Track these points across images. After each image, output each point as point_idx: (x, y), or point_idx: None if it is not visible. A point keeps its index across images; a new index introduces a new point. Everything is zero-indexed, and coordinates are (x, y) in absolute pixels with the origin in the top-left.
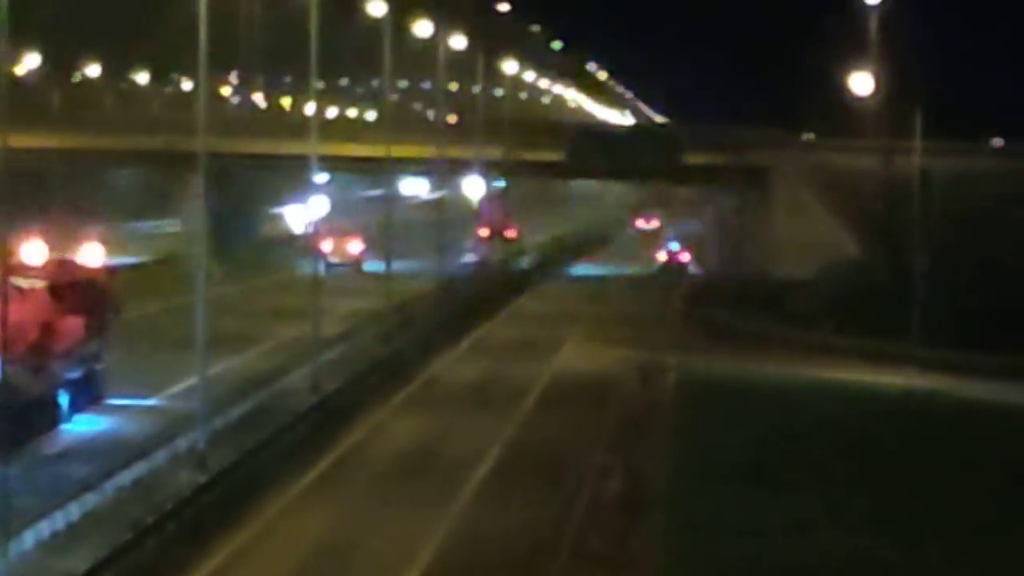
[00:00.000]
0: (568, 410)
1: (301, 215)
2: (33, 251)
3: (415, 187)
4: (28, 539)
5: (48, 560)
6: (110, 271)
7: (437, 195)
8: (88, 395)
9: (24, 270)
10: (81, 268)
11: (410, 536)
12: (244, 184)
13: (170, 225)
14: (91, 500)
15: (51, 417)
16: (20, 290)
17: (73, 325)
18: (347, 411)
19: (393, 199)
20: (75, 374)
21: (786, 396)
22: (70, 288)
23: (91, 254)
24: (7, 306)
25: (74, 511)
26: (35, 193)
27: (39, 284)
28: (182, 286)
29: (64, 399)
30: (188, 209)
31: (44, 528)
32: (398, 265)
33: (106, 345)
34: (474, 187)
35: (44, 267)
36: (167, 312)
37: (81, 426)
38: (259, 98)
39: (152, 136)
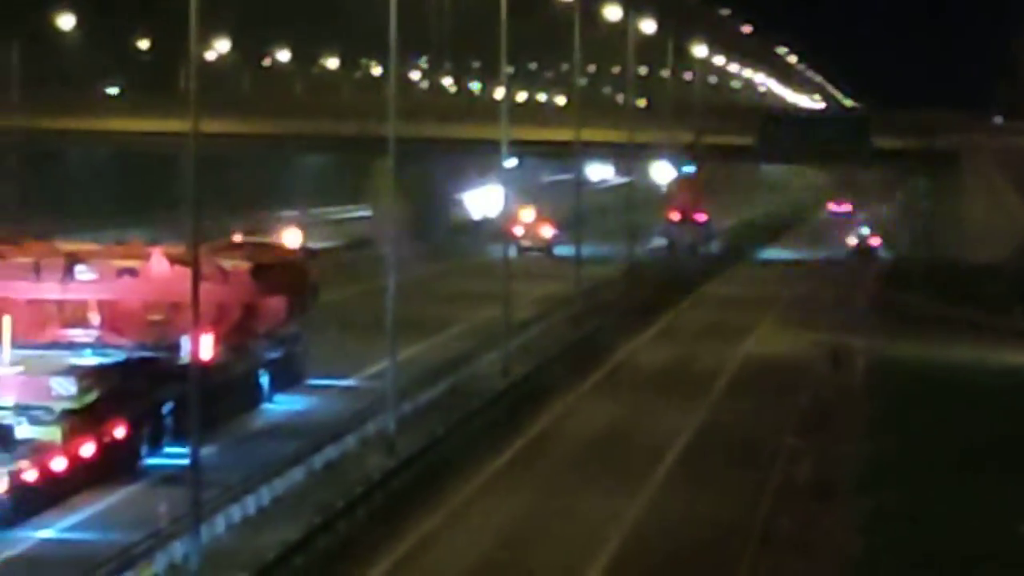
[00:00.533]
0: (758, 395)
1: (484, 200)
2: (235, 234)
3: (601, 172)
4: (234, 514)
5: (240, 541)
6: (311, 254)
7: (623, 180)
8: (288, 375)
9: (227, 251)
10: (283, 250)
11: (599, 522)
12: (434, 169)
13: (360, 210)
14: (282, 485)
15: (253, 397)
16: (224, 271)
17: (275, 306)
18: (537, 395)
19: (581, 184)
20: (275, 354)
21: (977, 382)
22: (272, 270)
23: (290, 238)
24: (213, 287)
25: (265, 495)
26: (228, 178)
27: (242, 265)
28: (373, 271)
29: (265, 379)
30: (378, 194)
31: (241, 509)
32: (588, 249)
33: (305, 327)
34: (662, 172)
35: (247, 249)
36: (359, 296)
37: (281, 406)
38: (448, 83)
39: (342, 121)
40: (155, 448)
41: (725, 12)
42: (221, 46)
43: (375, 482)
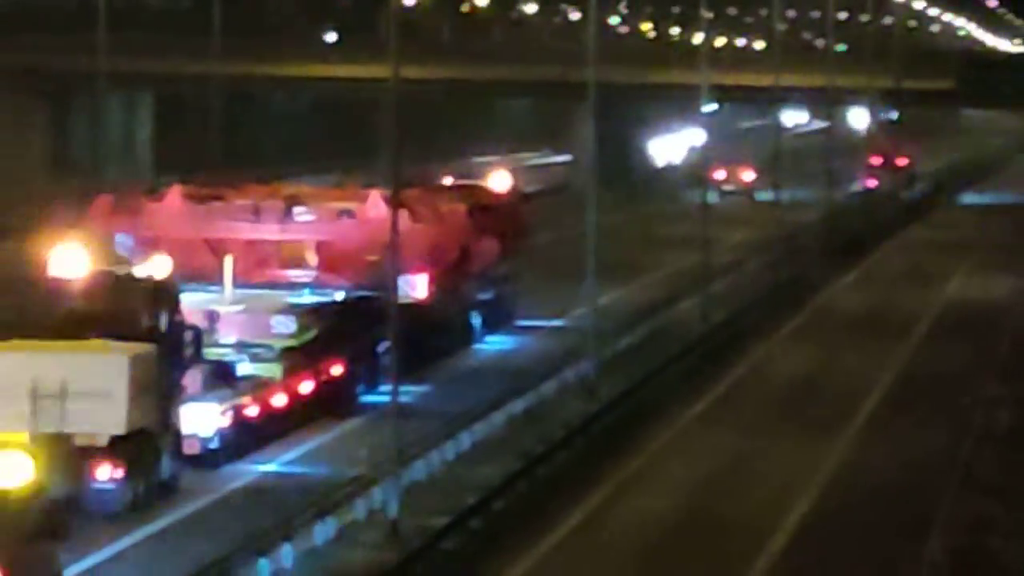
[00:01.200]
0: (959, 340)
1: (670, 147)
2: (446, 177)
3: (796, 118)
4: (447, 451)
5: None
6: (523, 197)
7: (819, 126)
8: (498, 316)
9: (442, 193)
10: (497, 193)
11: (799, 467)
12: (632, 114)
13: (558, 156)
14: (483, 428)
15: (465, 336)
16: (440, 212)
17: (488, 248)
18: (736, 340)
19: (778, 129)
20: (487, 295)
21: None
22: (487, 212)
23: (500, 181)
24: (429, 228)
25: (465, 440)
26: (429, 124)
27: (459, 207)
28: (572, 216)
29: (477, 319)
30: (576, 140)
31: (455, 445)
32: (787, 194)
33: (515, 268)
34: (859, 118)
35: (463, 191)
36: (559, 241)
37: (492, 346)
38: (647, 28)
39: (541, 67)
40: (371, 386)
41: None
42: None
43: (576, 427)
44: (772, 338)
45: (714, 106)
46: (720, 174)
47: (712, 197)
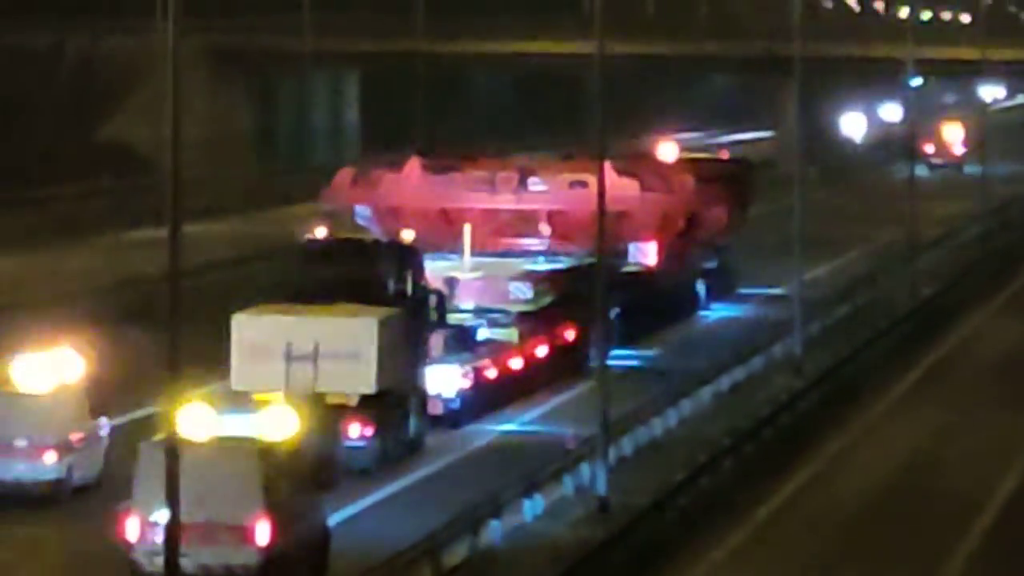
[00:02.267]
0: None
1: (859, 123)
2: (666, 149)
3: (993, 93)
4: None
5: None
6: (749, 168)
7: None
8: (722, 284)
9: (671, 164)
10: (726, 162)
11: (1009, 437)
12: (838, 89)
13: (764, 132)
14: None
15: (691, 304)
16: (669, 181)
17: (716, 217)
18: (944, 316)
19: (983, 104)
20: (711, 264)
21: None
22: (714, 182)
23: (725, 152)
24: (658, 197)
25: (672, 417)
26: (632, 99)
27: (687, 176)
28: (779, 190)
29: (702, 287)
30: (782, 115)
31: (679, 409)
32: (996, 168)
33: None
34: None
35: (691, 161)
36: (768, 216)
37: (717, 313)
38: (852, 2)
39: (745, 41)
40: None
41: None
42: None
43: (783, 403)
44: (980, 313)
45: (919, 80)
46: (929, 147)
47: (921, 170)
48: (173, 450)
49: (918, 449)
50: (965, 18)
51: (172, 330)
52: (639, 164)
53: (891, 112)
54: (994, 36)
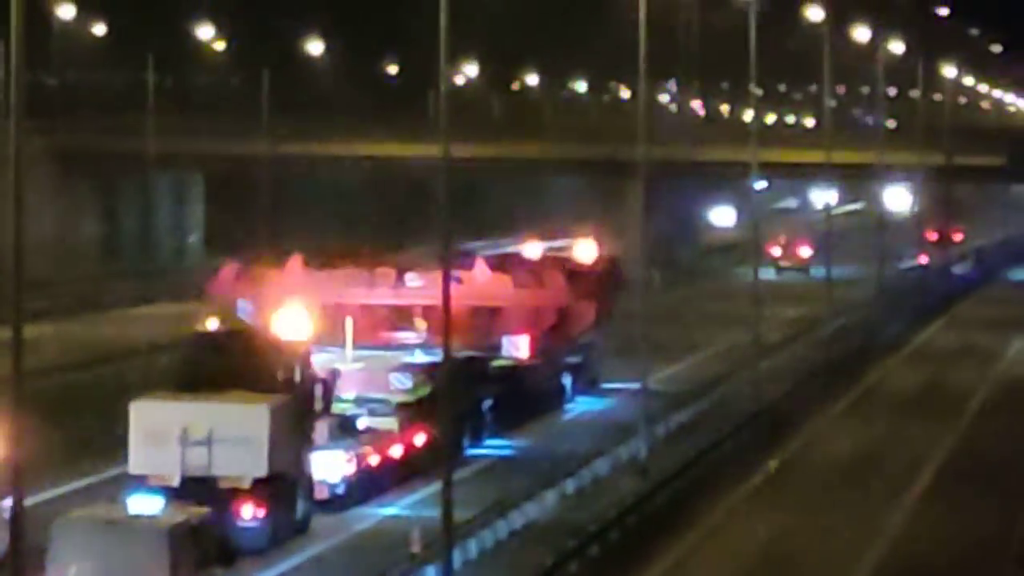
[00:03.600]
0: (1008, 417)
1: (724, 222)
2: (534, 248)
3: (825, 198)
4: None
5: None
6: (615, 265)
7: (856, 206)
8: (586, 378)
9: (538, 262)
10: (594, 260)
11: (855, 543)
12: (684, 191)
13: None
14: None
15: (559, 397)
16: (541, 277)
17: (584, 312)
18: (787, 419)
19: (828, 207)
20: (577, 359)
21: None
22: (584, 278)
23: (586, 249)
24: (531, 292)
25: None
26: (477, 202)
27: (558, 273)
28: (623, 293)
29: (568, 381)
30: (626, 217)
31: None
32: (840, 271)
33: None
34: (897, 197)
35: (558, 259)
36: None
37: (581, 406)
38: (696, 105)
39: (591, 145)
40: (475, 440)
41: (974, 32)
42: (469, 70)
43: (628, 506)
44: (823, 417)
45: (763, 183)
46: (776, 250)
47: (769, 273)
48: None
49: (760, 553)
50: (810, 122)
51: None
52: (511, 261)
53: (727, 215)
54: (838, 139)
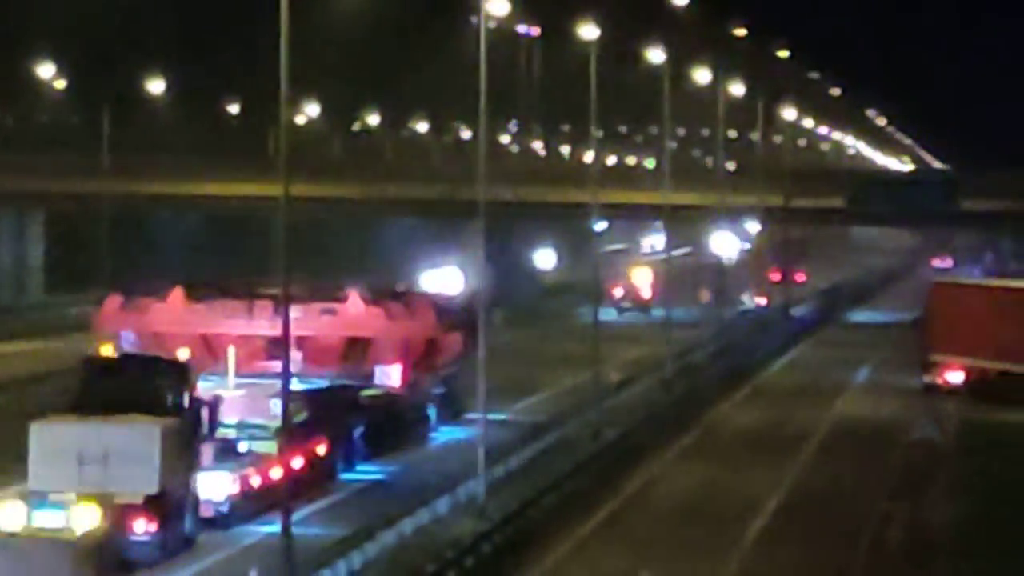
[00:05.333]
0: (847, 457)
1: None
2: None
3: (652, 241)
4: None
5: None
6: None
7: (685, 250)
8: (450, 409)
9: (408, 296)
10: (460, 295)
11: None
12: (524, 232)
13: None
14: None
15: (424, 427)
16: (411, 310)
17: (451, 344)
18: (628, 458)
19: (668, 249)
20: (441, 389)
21: None
22: (450, 312)
23: (451, 282)
24: (402, 324)
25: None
26: (317, 242)
27: (427, 305)
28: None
29: (433, 411)
30: (468, 257)
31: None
32: (680, 313)
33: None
34: (723, 241)
35: (431, 294)
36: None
37: (445, 435)
38: (538, 146)
39: (431, 185)
40: (348, 466)
41: (814, 75)
42: (311, 110)
43: (466, 546)
44: (663, 456)
45: (604, 224)
46: (619, 291)
47: (611, 314)
48: None
49: None
50: (651, 163)
51: None
52: (384, 295)
53: (548, 258)
54: (679, 181)
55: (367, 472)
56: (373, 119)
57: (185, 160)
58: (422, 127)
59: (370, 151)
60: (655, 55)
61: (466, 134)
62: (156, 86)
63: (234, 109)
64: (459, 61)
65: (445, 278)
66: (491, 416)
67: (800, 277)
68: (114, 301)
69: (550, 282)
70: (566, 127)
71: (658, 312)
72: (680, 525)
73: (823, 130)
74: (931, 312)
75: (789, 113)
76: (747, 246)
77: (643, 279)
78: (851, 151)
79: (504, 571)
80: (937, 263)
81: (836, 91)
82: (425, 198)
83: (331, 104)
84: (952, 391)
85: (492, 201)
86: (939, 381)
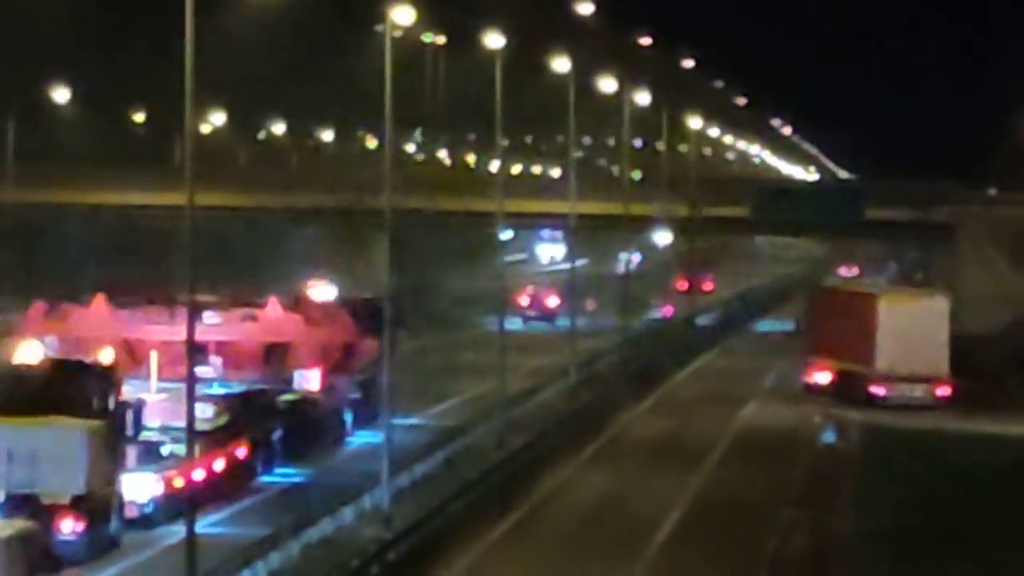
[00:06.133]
0: (751, 462)
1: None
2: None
3: (551, 252)
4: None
5: None
6: (398, 306)
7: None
8: (366, 413)
9: (326, 303)
10: (375, 300)
11: None
12: (431, 241)
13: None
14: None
15: (340, 431)
16: (330, 315)
17: (368, 349)
18: (532, 467)
19: (572, 259)
20: (357, 394)
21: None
22: (367, 318)
23: (324, 292)
24: (320, 329)
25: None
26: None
27: (343, 311)
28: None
29: (349, 416)
30: (372, 267)
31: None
32: (585, 322)
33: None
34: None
35: (347, 300)
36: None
37: (361, 439)
38: (444, 155)
39: (337, 194)
40: (267, 468)
41: (719, 84)
42: (216, 119)
43: (371, 554)
44: (569, 465)
45: (510, 233)
46: (524, 300)
47: (517, 323)
48: None
49: None
50: (557, 172)
51: None
52: (301, 302)
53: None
54: (584, 190)
55: (285, 475)
56: (279, 128)
57: (91, 169)
58: (328, 136)
59: (276, 160)
60: (560, 64)
61: (372, 143)
62: (61, 94)
63: (140, 117)
64: (365, 70)
65: (320, 291)
66: (405, 421)
67: (708, 286)
68: (38, 307)
69: (456, 291)
70: (472, 136)
71: (563, 322)
72: (584, 534)
73: (728, 139)
74: (808, 316)
75: (695, 122)
76: (648, 256)
77: (548, 289)
78: (756, 160)
79: None
80: (844, 272)
81: (741, 100)
82: (331, 207)
83: (237, 113)
84: (822, 391)
85: (397, 210)
86: (810, 381)
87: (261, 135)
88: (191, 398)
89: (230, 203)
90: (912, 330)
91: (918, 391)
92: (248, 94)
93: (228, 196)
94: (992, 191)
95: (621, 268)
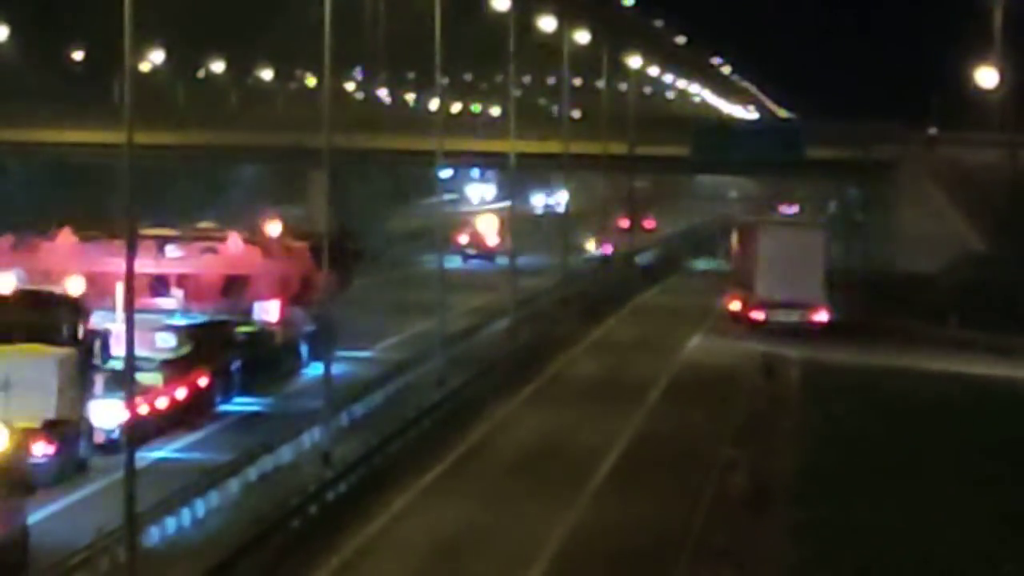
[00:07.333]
0: (688, 406)
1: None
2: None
3: (481, 193)
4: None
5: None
6: (354, 239)
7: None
8: (322, 346)
9: (283, 236)
10: (334, 234)
11: (538, 527)
12: (371, 179)
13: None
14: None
15: (297, 362)
16: (289, 248)
17: (326, 280)
18: (473, 405)
19: (512, 199)
20: (312, 327)
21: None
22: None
23: (273, 231)
24: (279, 262)
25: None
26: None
27: (302, 243)
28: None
29: (305, 348)
30: (311, 205)
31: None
32: (525, 260)
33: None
34: (539, 199)
35: (306, 233)
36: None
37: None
38: (383, 94)
39: (277, 133)
40: (226, 398)
41: (659, 23)
42: (155, 57)
43: (311, 493)
44: (508, 403)
45: (450, 172)
46: (464, 239)
47: (456, 261)
48: None
49: (438, 541)
50: (497, 111)
51: None
52: (260, 235)
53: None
54: (524, 129)
55: (243, 404)
56: (218, 66)
57: (30, 107)
58: (267, 75)
59: (215, 98)
60: (500, 2)
61: (311, 82)
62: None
63: (79, 56)
64: (304, 8)
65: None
66: (358, 354)
67: (649, 224)
68: (5, 240)
69: (395, 229)
70: (412, 75)
71: (502, 260)
72: (524, 473)
73: (668, 78)
74: (732, 251)
75: (634, 61)
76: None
77: (488, 227)
78: (696, 99)
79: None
80: (784, 209)
81: (681, 39)
82: (271, 145)
83: (176, 51)
84: (736, 320)
85: (336, 149)
86: (729, 310)
87: (200, 74)
88: (130, 331)
89: (169, 142)
90: (789, 258)
91: (794, 316)
92: (187, 32)
93: (167, 135)
94: (933, 130)
95: (539, 209)
